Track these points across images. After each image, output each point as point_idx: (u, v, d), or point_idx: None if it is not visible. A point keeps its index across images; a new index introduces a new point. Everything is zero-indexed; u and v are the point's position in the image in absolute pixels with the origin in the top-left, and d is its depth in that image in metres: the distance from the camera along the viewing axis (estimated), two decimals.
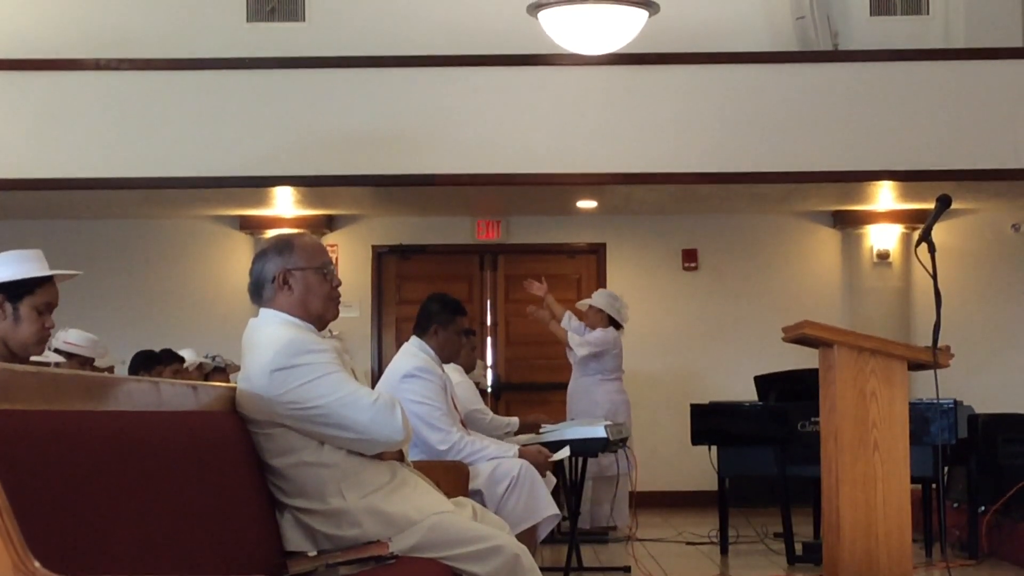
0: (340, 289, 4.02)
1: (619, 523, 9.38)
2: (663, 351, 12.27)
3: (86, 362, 7.19)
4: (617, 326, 9.53)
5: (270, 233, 11.73)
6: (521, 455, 5.79)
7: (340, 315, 4.09)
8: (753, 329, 12.02)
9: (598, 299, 9.52)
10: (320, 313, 3.94)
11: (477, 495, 5.36)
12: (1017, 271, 12.27)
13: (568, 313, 9.54)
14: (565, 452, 6.47)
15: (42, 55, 10.90)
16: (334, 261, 4.10)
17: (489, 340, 12.44)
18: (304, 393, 3.72)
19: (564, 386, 9.82)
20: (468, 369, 7.87)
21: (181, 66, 10.57)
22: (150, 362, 7.86)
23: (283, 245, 3.96)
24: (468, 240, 12.50)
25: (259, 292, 3.94)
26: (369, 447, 3.83)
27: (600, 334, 9.40)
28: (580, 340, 9.39)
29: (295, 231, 10.84)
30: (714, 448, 8.47)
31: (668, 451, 11.62)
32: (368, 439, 3.80)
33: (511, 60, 10.57)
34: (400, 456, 4.00)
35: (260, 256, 3.97)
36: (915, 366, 4.78)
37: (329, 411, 3.74)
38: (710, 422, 8.42)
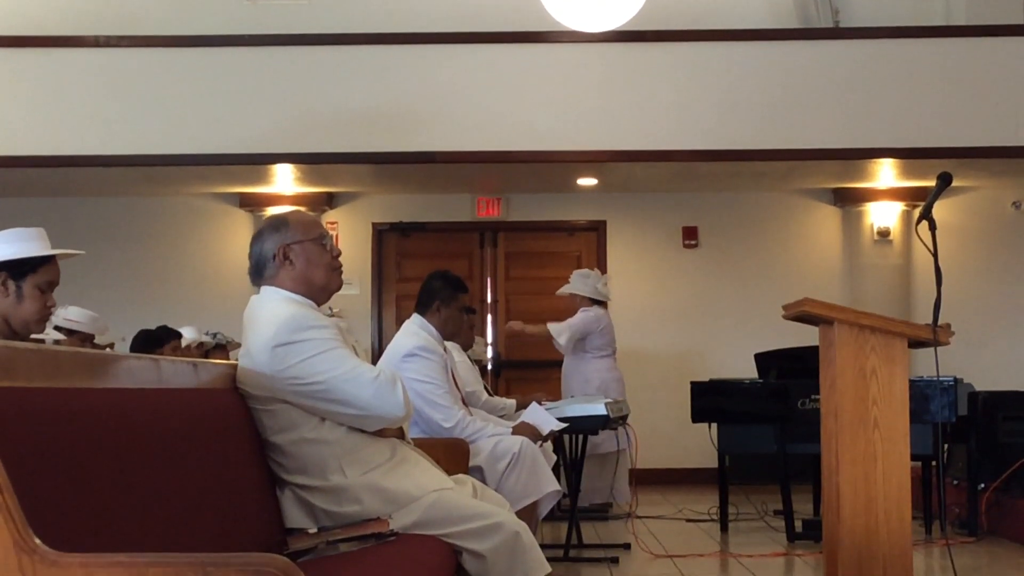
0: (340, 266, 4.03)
1: (619, 499, 9.41)
2: (663, 328, 12.27)
3: (86, 339, 7.20)
4: (600, 303, 9.57)
5: (270, 210, 11.73)
6: (514, 433, 5.79)
7: (340, 292, 4.09)
8: (753, 306, 12.03)
9: (573, 285, 9.62)
10: (323, 284, 3.95)
11: (478, 472, 5.37)
12: (1018, 249, 12.26)
13: (548, 325, 9.62)
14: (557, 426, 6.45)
15: (42, 31, 10.88)
16: (334, 238, 4.09)
17: (489, 317, 12.44)
18: (305, 368, 3.73)
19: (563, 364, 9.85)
20: (466, 347, 7.88)
21: (182, 43, 10.53)
22: (151, 344, 7.83)
23: (278, 222, 3.98)
24: (468, 217, 12.49)
25: (261, 272, 3.95)
26: (370, 423, 3.83)
27: (580, 316, 9.49)
28: (558, 328, 9.46)
29: (293, 208, 10.82)
30: (714, 426, 8.48)
31: (668, 428, 11.64)
32: (369, 415, 3.80)
33: (511, 37, 10.54)
34: (400, 434, 4.00)
35: (257, 237, 3.98)
36: (915, 343, 4.77)
37: (330, 387, 3.74)
38: (710, 400, 8.42)
